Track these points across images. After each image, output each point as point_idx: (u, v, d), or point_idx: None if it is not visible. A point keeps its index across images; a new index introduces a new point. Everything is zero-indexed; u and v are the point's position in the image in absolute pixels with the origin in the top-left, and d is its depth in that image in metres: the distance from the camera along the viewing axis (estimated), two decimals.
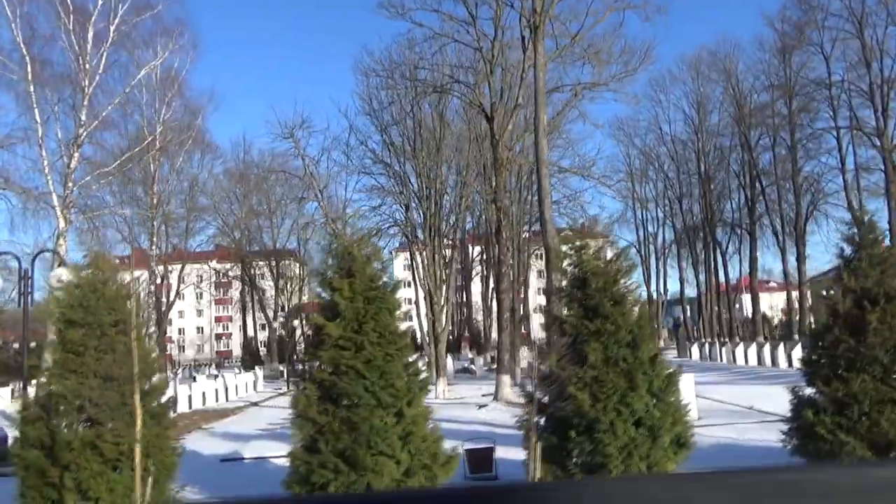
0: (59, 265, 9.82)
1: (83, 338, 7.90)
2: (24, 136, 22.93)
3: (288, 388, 34.94)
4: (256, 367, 43.15)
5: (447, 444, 8.22)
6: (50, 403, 7.79)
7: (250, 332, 61.18)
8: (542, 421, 8.48)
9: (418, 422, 7.99)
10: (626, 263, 8.33)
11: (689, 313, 61.41)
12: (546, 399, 8.52)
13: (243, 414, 22.78)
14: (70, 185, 22.72)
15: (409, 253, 32.37)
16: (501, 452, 10.55)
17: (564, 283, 8.93)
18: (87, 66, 23.43)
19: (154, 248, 31.04)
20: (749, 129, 44.47)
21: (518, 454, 11.49)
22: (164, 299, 40.66)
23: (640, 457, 7.31)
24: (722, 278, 49.19)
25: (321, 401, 7.77)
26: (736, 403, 15.73)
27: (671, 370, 8.00)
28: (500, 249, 19.20)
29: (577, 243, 8.49)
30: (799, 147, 39.91)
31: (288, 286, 58.31)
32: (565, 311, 8.85)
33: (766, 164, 44.99)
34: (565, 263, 8.63)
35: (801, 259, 40.38)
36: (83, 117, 23.20)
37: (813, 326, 8.94)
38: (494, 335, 55.81)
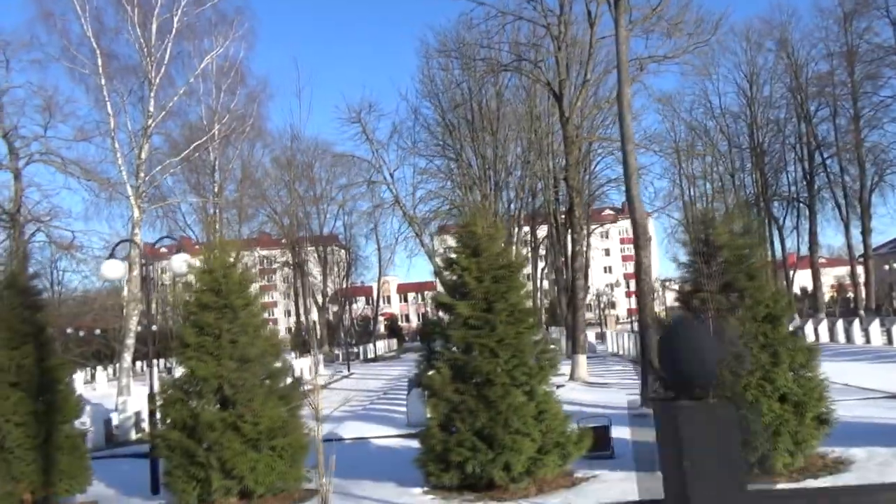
0: (178, 251, 10.02)
1: (217, 321, 8.04)
2: (97, 128, 23.45)
3: (348, 370, 35.43)
4: (311, 351, 43.90)
5: None
6: (190, 385, 7.97)
7: (300, 318, 62.17)
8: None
9: (549, 400, 7.96)
10: (755, 237, 8.10)
11: None
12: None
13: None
14: (142, 175, 23.19)
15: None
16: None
17: (684, 257, 8.75)
18: (153, 57, 23.78)
19: (217, 235, 31.59)
20: (807, 99, 43.01)
21: (624, 433, 11.41)
22: None
23: (788, 434, 7.14)
24: (779, 254, 47.98)
25: (453, 380, 7.79)
26: (830, 381, 15.28)
27: (812, 345, 7.79)
28: (573, 228, 19.00)
29: (703, 215, 8.27)
30: (862, 116, 38.51)
31: (337, 271, 59.05)
32: (687, 287, 8.68)
33: (825, 135, 43.56)
34: (687, 237, 8.45)
35: (865, 232, 39.12)
36: (151, 108, 23.59)
37: None
38: (542, 316, 55.63)
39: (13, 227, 18.68)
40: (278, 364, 8.49)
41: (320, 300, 57.08)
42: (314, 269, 58.02)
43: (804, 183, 44.42)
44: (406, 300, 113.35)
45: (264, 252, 61.83)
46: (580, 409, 14.62)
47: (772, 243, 49.28)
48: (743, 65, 47.93)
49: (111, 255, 9.26)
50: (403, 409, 16.94)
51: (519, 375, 7.62)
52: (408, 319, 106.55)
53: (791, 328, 7.77)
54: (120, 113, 23.46)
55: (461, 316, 7.79)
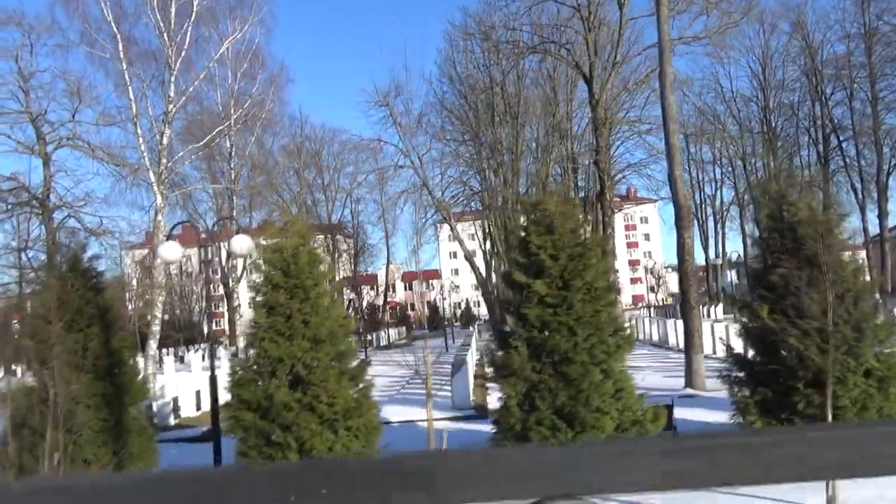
0: (238, 232, 9.93)
1: (288, 301, 7.94)
2: (117, 113, 23.23)
3: (366, 356, 35.45)
4: None
5: None
6: (262, 366, 7.88)
7: None
8: (742, 375, 8.29)
9: (625, 378, 7.88)
10: (839, 212, 7.98)
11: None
12: (750, 354, 8.32)
13: None
14: (163, 160, 23.00)
15: (482, 221, 32.21)
16: None
17: (757, 233, 8.66)
18: (172, 42, 23.53)
19: (234, 223, 31.45)
20: (821, 81, 42.67)
21: (680, 412, 11.33)
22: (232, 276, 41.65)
23: (874, 409, 7.08)
24: None
25: (529, 359, 7.70)
26: None
27: (891, 321, 7.70)
28: (604, 211, 18.86)
29: (777, 191, 8.15)
30: (881, 99, 38.21)
31: (347, 258, 59.08)
32: (757, 264, 8.60)
33: (839, 118, 43.25)
34: (763, 214, 8.34)
35: (882, 215, 38.98)
36: (171, 94, 23.36)
37: None
38: None
39: (42, 212, 18.54)
40: (347, 344, 8.39)
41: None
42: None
43: (818, 166, 44.15)
44: (411, 288, 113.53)
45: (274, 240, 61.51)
46: None
47: None
48: (756, 48, 47.50)
49: (169, 237, 9.15)
50: (440, 392, 16.93)
51: (598, 353, 7.54)
52: (413, 308, 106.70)
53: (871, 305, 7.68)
54: (141, 98, 23.28)
55: (537, 294, 7.68)
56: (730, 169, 55.49)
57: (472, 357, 18.41)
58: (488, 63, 23.41)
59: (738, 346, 8.98)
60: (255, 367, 8.00)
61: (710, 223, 59.23)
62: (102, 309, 8.58)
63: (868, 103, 39.35)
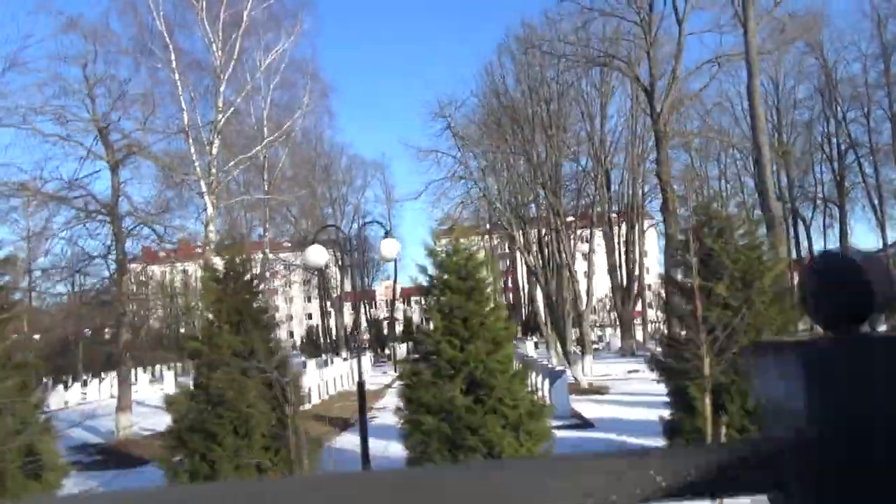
0: (385, 236, 9.85)
1: (465, 303, 7.89)
2: (166, 123, 23.12)
3: (395, 370, 35.22)
4: (345, 352, 43.63)
5: None
6: (444, 368, 7.80)
7: (317, 320, 61.75)
8: None
9: None
10: None
11: None
12: None
13: (391, 395, 23.01)
14: (213, 170, 22.90)
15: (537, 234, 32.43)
16: None
17: None
18: (220, 52, 23.55)
19: (266, 235, 31.29)
20: (835, 99, 43.40)
21: None
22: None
23: None
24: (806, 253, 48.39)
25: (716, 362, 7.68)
26: None
27: None
28: (667, 225, 18.97)
29: None
30: None
31: (359, 274, 59.02)
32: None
33: (855, 136, 43.94)
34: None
35: None
36: (220, 104, 23.35)
37: None
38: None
39: (112, 221, 18.32)
40: (511, 348, 8.34)
41: (338, 303, 56.89)
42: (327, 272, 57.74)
43: (833, 183, 44.82)
44: (409, 303, 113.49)
45: (283, 255, 61.49)
46: None
47: (797, 243, 49.72)
48: (770, 67, 48.27)
49: (313, 241, 9.06)
50: None
51: None
52: (411, 323, 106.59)
53: None
54: (192, 108, 23.21)
55: (720, 296, 7.68)
56: (737, 184, 56.09)
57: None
58: (537, 77, 23.63)
59: None
60: (427, 370, 7.91)
61: None
62: (260, 311, 8.48)
63: (888, 121, 40.04)
